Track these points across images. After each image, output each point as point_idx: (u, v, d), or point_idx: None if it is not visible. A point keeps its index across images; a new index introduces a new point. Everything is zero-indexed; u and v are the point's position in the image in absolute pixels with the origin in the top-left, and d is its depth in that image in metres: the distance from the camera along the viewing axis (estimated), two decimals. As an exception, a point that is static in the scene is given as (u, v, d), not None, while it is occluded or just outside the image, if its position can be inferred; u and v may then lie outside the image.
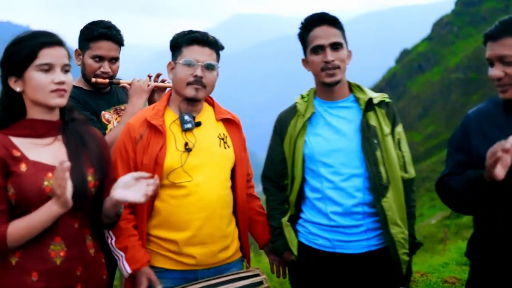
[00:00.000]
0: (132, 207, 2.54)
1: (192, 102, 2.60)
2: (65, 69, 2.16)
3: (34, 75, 2.10)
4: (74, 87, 3.01)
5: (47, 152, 2.17)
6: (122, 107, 3.21)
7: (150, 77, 3.17)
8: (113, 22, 3.13)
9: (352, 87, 2.76)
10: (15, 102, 2.17)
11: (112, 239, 2.50)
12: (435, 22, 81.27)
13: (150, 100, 3.16)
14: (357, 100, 2.70)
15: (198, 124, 2.60)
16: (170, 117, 2.61)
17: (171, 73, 2.64)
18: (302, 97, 2.79)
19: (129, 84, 3.10)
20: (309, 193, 2.70)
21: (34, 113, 2.17)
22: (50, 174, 2.10)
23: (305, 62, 2.72)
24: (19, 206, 2.09)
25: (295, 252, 2.72)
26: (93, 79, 3.07)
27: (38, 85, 2.11)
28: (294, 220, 2.79)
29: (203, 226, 2.52)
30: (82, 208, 2.18)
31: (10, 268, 2.09)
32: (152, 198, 2.53)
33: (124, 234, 2.49)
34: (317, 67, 2.62)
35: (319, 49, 2.60)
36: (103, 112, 3.13)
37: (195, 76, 2.52)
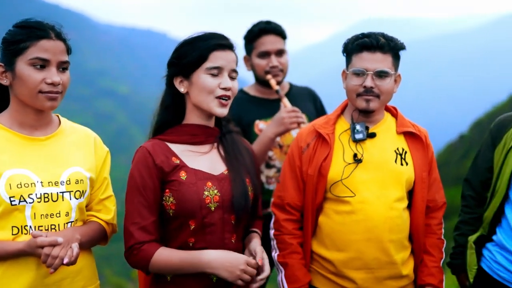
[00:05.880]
0: (301, 222, 2.45)
1: (365, 113, 2.41)
2: (232, 75, 2.08)
3: (202, 77, 2.05)
4: (240, 91, 2.99)
5: (204, 160, 2.11)
6: None
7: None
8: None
9: None
10: (176, 103, 2.14)
11: (275, 252, 2.43)
12: None
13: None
14: None
15: (371, 136, 2.40)
16: (342, 127, 2.45)
17: (344, 83, 2.46)
18: None
19: (285, 106, 2.93)
20: (509, 213, 2.39)
21: (193, 118, 2.13)
22: (209, 183, 2.05)
23: None
24: (178, 216, 2.02)
25: (471, 279, 2.48)
26: (268, 76, 2.99)
27: (204, 88, 2.05)
28: (482, 242, 2.50)
29: (367, 248, 2.31)
30: (243, 221, 2.11)
31: (165, 283, 2.08)
32: (317, 213, 2.40)
33: (287, 249, 2.40)
34: None
35: None
36: (257, 122, 3.02)
37: (365, 86, 2.33)
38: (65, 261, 1.86)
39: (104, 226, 2.18)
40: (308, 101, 3.23)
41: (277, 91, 3.00)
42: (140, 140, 2.18)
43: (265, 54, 3.02)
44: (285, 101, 2.96)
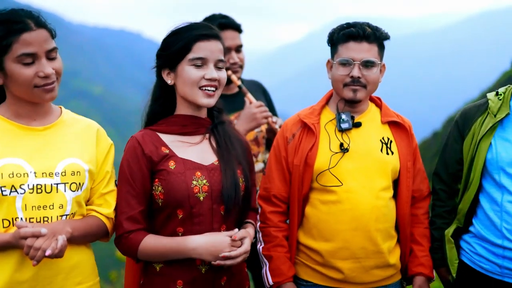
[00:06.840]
0: (287, 214, 2.45)
1: (352, 103, 2.41)
2: (218, 66, 2.06)
3: (186, 69, 2.03)
4: None
5: (195, 151, 2.10)
6: None
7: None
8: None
9: None
10: (166, 95, 2.13)
11: (260, 244, 2.42)
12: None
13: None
14: None
15: (357, 125, 2.41)
16: (327, 117, 2.46)
17: (329, 73, 2.46)
18: (497, 94, 2.40)
19: (250, 103, 2.90)
20: (484, 204, 2.38)
21: (183, 109, 2.11)
22: (198, 173, 2.04)
23: None
24: (167, 206, 2.01)
25: (454, 274, 2.46)
26: (229, 72, 2.92)
27: (188, 80, 2.04)
28: (459, 234, 2.49)
29: (354, 238, 2.32)
30: (233, 212, 2.10)
31: (154, 274, 2.04)
32: (304, 203, 2.41)
33: (272, 242, 2.39)
34: None
35: None
36: None
37: (352, 76, 2.34)
38: (47, 253, 1.79)
39: (103, 221, 2.09)
40: (260, 95, 3.23)
41: (239, 87, 2.98)
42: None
43: (225, 50, 3.00)
44: (250, 97, 2.94)
